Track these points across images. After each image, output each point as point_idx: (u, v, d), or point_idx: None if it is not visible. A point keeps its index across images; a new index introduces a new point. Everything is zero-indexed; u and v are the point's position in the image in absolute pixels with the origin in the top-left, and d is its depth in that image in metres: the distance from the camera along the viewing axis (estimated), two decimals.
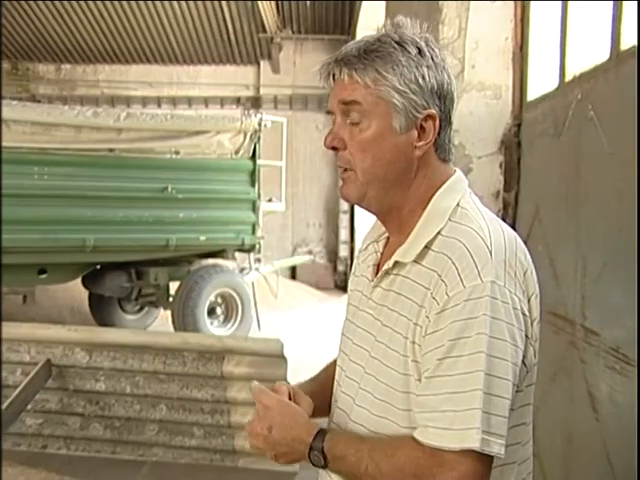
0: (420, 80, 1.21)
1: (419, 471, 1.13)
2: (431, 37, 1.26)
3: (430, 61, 1.22)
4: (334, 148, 1.26)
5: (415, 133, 1.23)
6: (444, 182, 1.28)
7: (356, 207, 13.69)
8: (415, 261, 1.22)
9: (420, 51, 1.22)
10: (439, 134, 1.25)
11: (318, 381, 1.52)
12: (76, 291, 9.02)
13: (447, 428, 1.11)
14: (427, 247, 1.22)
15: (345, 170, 1.27)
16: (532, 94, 3.28)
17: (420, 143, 1.24)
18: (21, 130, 7.00)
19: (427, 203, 1.26)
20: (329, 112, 1.29)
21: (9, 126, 6.93)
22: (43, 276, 7.50)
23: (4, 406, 4.26)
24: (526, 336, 1.19)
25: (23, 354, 4.54)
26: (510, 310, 1.15)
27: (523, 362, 1.19)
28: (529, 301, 1.22)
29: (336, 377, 1.41)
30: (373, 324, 1.28)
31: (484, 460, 1.12)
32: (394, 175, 1.25)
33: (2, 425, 4.15)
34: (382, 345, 1.24)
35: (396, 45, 1.21)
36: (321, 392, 1.44)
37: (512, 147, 3.36)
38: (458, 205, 1.25)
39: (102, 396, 4.48)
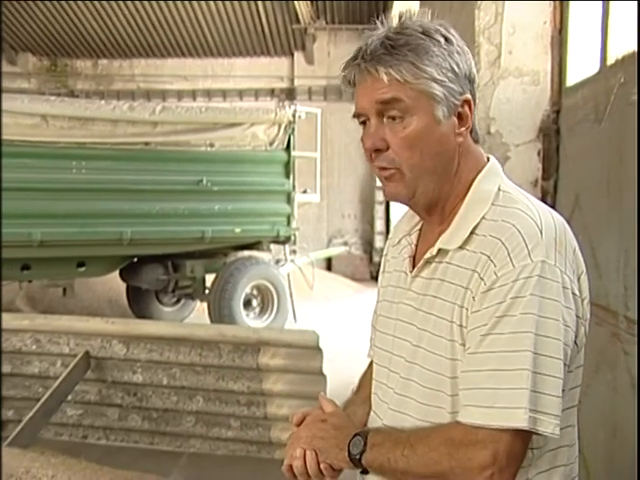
0: (455, 67, 1.20)
1: (452, 450, 1.13)
2: (446, 23, 1.24)
3: (457, 47, 1.21)
4: (377, 150, 1.23)
5: (455, 120, 1.22)
6: (482, 166, 1.27)
7: None
8: (459, 246, 1.21)
9: (447, 39, 1.20)
10: None
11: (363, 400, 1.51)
12: (114, 283, 9.13)
13: (490, 406, 1.10)
14: (472, 232, 1.21)
15: (385, 169, 1.24)
16: (572, 79, 3.20)
17: (461, 129, 1.23)
18: (59, 125, 7.08)
19: (467, 189, 1.26)
20: (357, 115, 1.26)
21: (47, 121, 7.03)
22: (82, 269, 7.59)
23: (46, 396, 4.33)
24: (577, 316, 1.18)
25: (63, 346, 4.60)
26: (560, 289, 1.14)
27: (575, 342, 1.18)
28: (579, 279, 1.21)
29: (375, 376, 1.40)
30: (414, 314, 1.27)
31: (521, 439, 1.11)
32: (443, 166, 1.24)
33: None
34: (426, 333, 1.23)
35: (423, 35, 1.18)
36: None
37: (551, 134, 3.28)
38: (499, 189, 1.24)
39: (139, 387, 4.52)
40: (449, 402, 1.20)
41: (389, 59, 1.17)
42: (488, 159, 1.30)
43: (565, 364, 1.14)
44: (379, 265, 1.53)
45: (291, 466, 1.29)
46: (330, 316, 9.50)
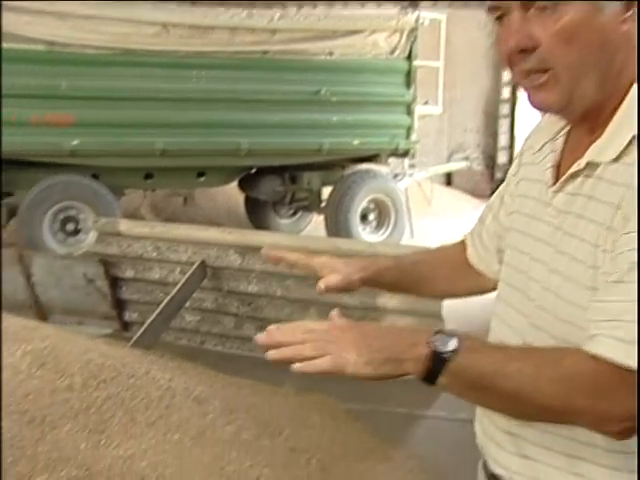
0: None
1: (596, 387, 0.93)
2: None
3: None
4: (522, 51, 1.01)
5: (621, 3, 0.98)
6: None
7: (517, 111, 12.98)
8: (614, 159, 1.00)
9: None
10: None
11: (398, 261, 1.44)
12: (233, 194, 9.27)
13: (632, 341, 0.90)
14: (630, 142, 0.98)
15: (533, 74, 1.03)
16: None
17: (629, 13, 0.99)
18: (179, 34, 7.07)
19: (627, 89, 1.02)
20: (493, 9, 1.04)
21: (168, 30, 7.02)
22: (201, 179, 7.72)
23: (165, 301, 4.47)
24: None
25: (181, 254, 4.70)
26: None
27: None
28: None
29: (503, 295, 1.22)
30: (553, 234, 1.08)
31: None
32: (606, 61, 1.01)
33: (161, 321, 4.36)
34: (565, 257, 1.05)
35: None
36: (397, 269, 1.39)
37: None
38: None
39: (254, 298, 4.57)
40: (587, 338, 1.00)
41: None
42: None
43: None
44: (501, 181, 1.35)
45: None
46: (448, 233, 9.26)
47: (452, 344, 0.93)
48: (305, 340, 0.96)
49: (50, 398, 2.55)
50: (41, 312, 5.19)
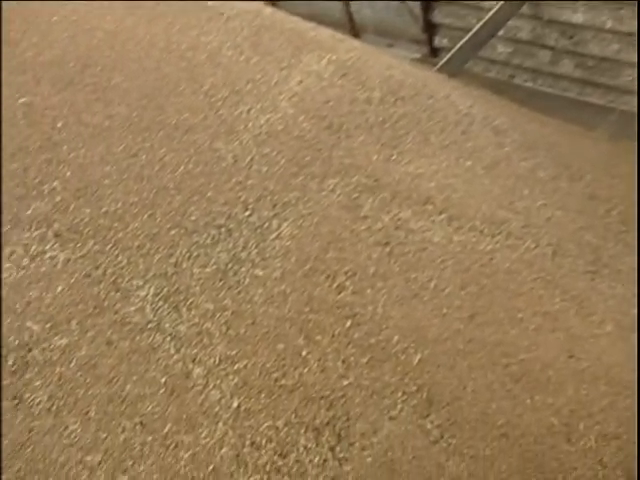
0: None
1: None
2: None
3: None
4: None
5: None
6: None
7: None
8: None
9: None
10: None
11: None
12: None
13: None
14: None
15: None
16: None
17: None
18: None
19: None
20: None
21: None
22: None
23: (477, 27, 4.18)
24: None
25: None
26: None
27: None
28: None
29: None
30: None
31: None
32: None
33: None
34: None
35: None
36: None
37: None
38: None
39: (577, 30, 4.06)
40: None
41: None
42: None
43: None
44: None
45: None
46: None
47: None
48: None
49: (348, 107, 2.56)
50: (354, 30, 5.22)
